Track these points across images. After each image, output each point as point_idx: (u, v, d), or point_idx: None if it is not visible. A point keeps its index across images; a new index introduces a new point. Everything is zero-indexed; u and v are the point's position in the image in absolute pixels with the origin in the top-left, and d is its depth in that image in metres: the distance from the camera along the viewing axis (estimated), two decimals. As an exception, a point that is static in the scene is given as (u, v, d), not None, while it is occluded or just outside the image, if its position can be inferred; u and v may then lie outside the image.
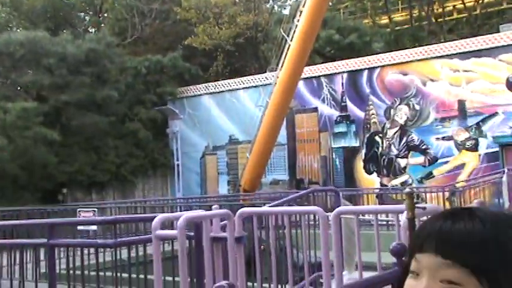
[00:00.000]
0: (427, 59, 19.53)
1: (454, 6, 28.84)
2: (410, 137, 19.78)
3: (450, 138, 18.98)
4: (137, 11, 29.99)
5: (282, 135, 21.08)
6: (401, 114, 19.96)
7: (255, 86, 23.10)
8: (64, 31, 26.50)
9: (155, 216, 4.81)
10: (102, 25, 31.15)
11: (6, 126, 20.15)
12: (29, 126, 20.60)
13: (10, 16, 30.73)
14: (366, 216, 8.38)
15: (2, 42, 21.74)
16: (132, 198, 24.00)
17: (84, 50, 23.02)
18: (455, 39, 21.82)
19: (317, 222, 6.54)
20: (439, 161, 19.11)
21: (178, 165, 24.66)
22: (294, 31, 17.86)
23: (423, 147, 19.47)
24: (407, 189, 3.31)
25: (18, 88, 24.38)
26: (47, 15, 30.19)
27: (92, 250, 6.57)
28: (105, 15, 32.56)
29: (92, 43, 23.73)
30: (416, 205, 3.16)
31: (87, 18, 32.88)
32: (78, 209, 10.91)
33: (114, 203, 20.03)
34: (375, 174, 20.41)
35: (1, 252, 6.42)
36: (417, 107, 19.63)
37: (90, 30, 30.95)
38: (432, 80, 19.35)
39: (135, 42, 30.21)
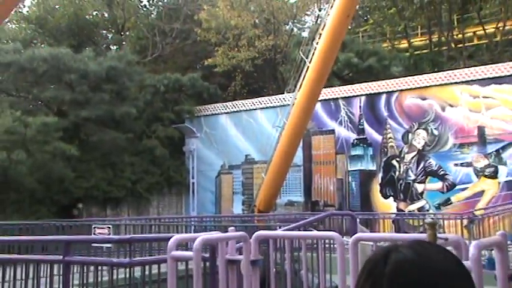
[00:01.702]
0: (446, 84, 19.43)
1: (474, 32, 28.73)
2: (428, 162, 19.57)
3: (469, 164, 18.74)
4: (158, 30, 30.43)
5: (298, 157, 21.01)
6: (420, 139, 19.81)
7: (272, 107, 23.15)
8: (86, 48, 26.94)
9: (171, 237, 4.79)
10: (124, 43, 31.63)
11: (26, 140, 20.40)
12: (48, 140, 20.85)
13: (35, 33, 31.39)
14: (383, 243, 8.23)
15: (26, 58, 22.14)
16: (146, 214, 24.04)
17: (105, 67, 23.36)
18: (475, 65, 21.70)
19: (333, 246, 6.46)
20: (458, 187, 18.85)
21: (193, 183, 24.69)
22: (313, 53, 17.91)
23: (441, 172, 19.25)
24: (429, 219, 3.25)
25: (40, 103, 24.75)
26: (70, 33, 30.77)
27: (106, 267, 6.56)
28: (127, 33, 33.08)
29: (113, 61, 24.07)
30: (438, 235, 3.09)
31: (109, 36, 33.42)
32: (94, 225, 10.93)
33: (129, 219, 20.07)
34: (391, 198, 20.19)
35: (16, 266, 6.43)
36: (435, 132, 19.47)
37: (112, 48, 31.43)
38: (451, 106, 19.20)
39: (155, 60, 30.60)
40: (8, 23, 30.34)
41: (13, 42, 25.50)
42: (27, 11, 31.45)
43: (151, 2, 33.15)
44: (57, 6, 31.28)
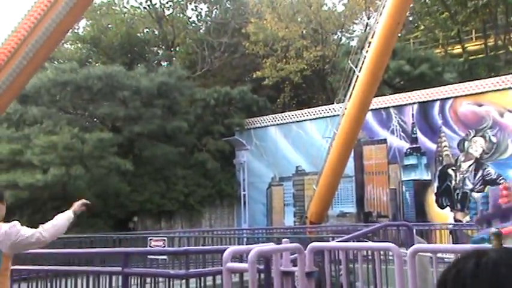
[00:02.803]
0: (504, 89, 18.72)
1: (532, 34, 27.65)
2: (486, 170, 18.85)
3: (531, 172, 17.93)
4: (207, 45, 30.95)
5: (350, 167, 20.73)
6: (477, 146, 19.13)
7: (322, 117, 22.99)
8: (138, 65, 27.71)
9: (225, 249, 4.80)
10: (174, 58, 32.33)
11: (84, 156, 21.10)
12: (104, 156, 21.50)
13: (90, 52, 32.62)
14: (440, 254, 7.95)
15: (81, 77, 22.99)
16: (199, 226, 24.31)
17: (157, 83, 23.94)
18: (534, 69, 20.83)
19: (389, 258, 6.30)
20: (519, 196, 18.01)
21: (244, 195, 24.80)
22: (363, 62, 17.68)
23: (501, 181, 18.46)
24: (493, 229, 3.11)
25: (95, 119, 25.59)
26: (123, 51, 31.78)
27: (162, 279, 6.66)
28: (177, 49, 33.81)
29: (164, 76, 24.64)
30: (504, 246, 2.94)
31: (160, 52, 34.26)
32: (149, 238, 11.15)
33: (183, 231, 20.35)
34: (448, 208, 19.55)
35: (77, 277, 6.64)
36: (494, 140, 18.75)
37: (163, 64, 32.20)
38: (510, 111, 18.47)
39: (204, 74, 31.09)
40: (65, 44, 31.67)
41: (69, 61, 26.54)
42: (82, 32, 32.77)
43: (199, 17, 33.81)
44: (110, 26, 32.41)
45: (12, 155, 21.06)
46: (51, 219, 4.02)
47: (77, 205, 4.20)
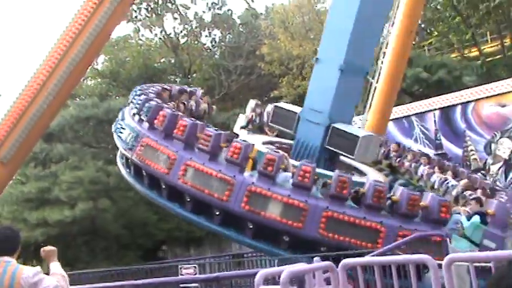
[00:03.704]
0: (526, 87, 18.42)
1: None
2: (516, 171, 18.46)
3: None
4: (223, 69, 31.25)
5: (376, 179, 20.49)
6: (504, 148, 18.76)
7: (343, 131, 22.84)
8: (157, 95, 28.02)
9: (256, 272, 4.77)
10: (191, 85, 32.68)
11: (110, 189, 21.32)
12: (130, 187, 21.67)
13: (110, 86, 33.24)
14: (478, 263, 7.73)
15: (103, 111, 23.38)
16: (228, 251, 24.18)
17: (176, 111, 24.16)
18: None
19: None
20: (553, 195, 17.56)
21: (272, 216, 24.62)
22: (379, 73, 17.63)
23: (532, 181, 18.07)
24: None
25: (119, 151, 25.85)
26: (141, 82, 32.25)
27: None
28: (194, 76, 34.22)
29: (183, 103, 24.87)
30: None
31: (177, 80, 34.71)
32: (180, 266, 11.14)
33: (212, 257, 20.27)
34: (480, 214, 19.12)
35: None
36: (521, 139, 18.39)
37: (181, 92, 32.50)
38: (535, 109, 18.14)
39: (223, 98, 31.32)
40: (85, 80, 32.34)
41: (90, 97, 27.06)
42: (101, 67, 33.46)
43: (213, 43, 34.21)
44: (127, 59, 33.02)
45: (40, 193, 21.41)
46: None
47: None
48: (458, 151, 19.85)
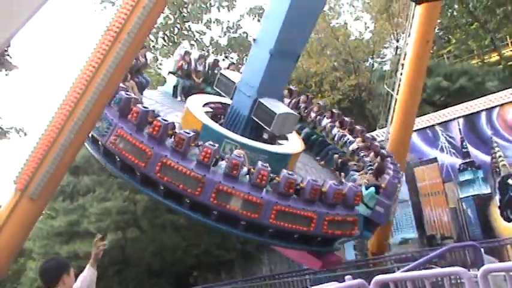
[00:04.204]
0: (551, 89, 18.06)
1: None
2: (547, 175, 18.00)
3: None
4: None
5: (404, 191, 20.14)
6: (533, 152, 18.36)
7: (367, 146, 22.67)
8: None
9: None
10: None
11: (137, 218, 21.48)
12: (157, 214, 21.80)
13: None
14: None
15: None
16: (260, 273, 24.01)
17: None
18: None
19: (460, 282, 6.02)
20: None
21: (301, 235, 24.41)
22: (399, 85, 17.55)
23: None
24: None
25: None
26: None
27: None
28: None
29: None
30: None
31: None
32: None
33: (244, 281, 20.16)
34: (515, 221, 18.65)
35: None
36: (550, 142, 17.98)
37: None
38: (562, 111, 17.75)
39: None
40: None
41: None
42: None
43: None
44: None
45: (70, 226, 21.67)
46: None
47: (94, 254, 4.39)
48: (487, 158, 19.47)
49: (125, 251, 21.30)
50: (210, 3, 32.37)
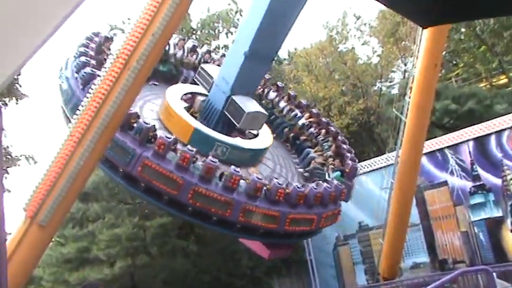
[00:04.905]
0: (560, 111, 17.97)
1: None
2: (560, 197, 17.78)
3: None
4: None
5: (414, 215, 19.99)
6: (544, 174, 18.18)
7: (376, 169, 22.59)
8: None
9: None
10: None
11: (147, 244, 21.43)
12: (166, 241, 21.74)
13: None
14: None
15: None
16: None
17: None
18: None
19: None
20: None
21: (311, 260, 24.19)
22: (407, 108, 17.52)
23: None
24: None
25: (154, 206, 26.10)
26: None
27: None
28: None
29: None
30: None
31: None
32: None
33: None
34: (527, 244, 18.37)
35: None
36: (560, 164, 17.81)
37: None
38: None
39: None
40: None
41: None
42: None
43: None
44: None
45: (79, 253, 21.66)
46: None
47: None
48: (498, 181, 19.30)
49: (134, 278, 21.20)
50: (219, 30, 32.77)
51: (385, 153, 21.94)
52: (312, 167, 15.54)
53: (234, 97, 13.71)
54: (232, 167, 12.10)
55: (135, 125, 11.53)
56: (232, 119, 13.73)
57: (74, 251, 21.77)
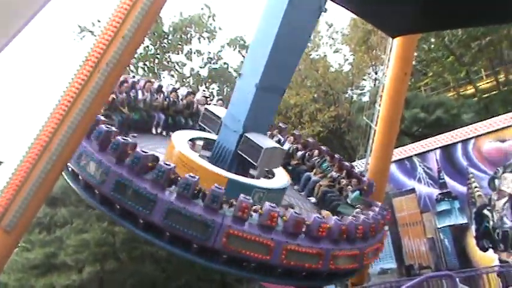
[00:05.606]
0: (525, 121, 18.52)
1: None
2: (523, 205, 18.29)
3: None
4: (223, 122, 31.54)
5: (383, 222, 20.29)
6: (508, 183, 18.66)
7: (346, 176, 22.82)
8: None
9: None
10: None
11: (116, 250, 21.17)
12: (135, 246, 21.53)
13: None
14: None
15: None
16: (240, 306, 23.70)
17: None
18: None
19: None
20: (562, 227, 17.36)
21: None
22: (377, 116, 17.80)
23: (540, 214, 17.89)
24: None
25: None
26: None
27: None
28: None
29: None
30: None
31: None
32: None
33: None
34: (491, 250, 18.81)
35: None
36: (524, 173, 18.33)
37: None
38: (535, 142, 18.17)
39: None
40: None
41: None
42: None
43: (211, 97, 34.71)
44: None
45: (46, 259, 21.25)
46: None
47: None
48: (463, 189, 19.75)
49: (103, 284, 20.89)
50: (191, 34, 32.74)
51: (355, 161, 22.20)
52: (322, 192, 14.74)
53: (247, 135, 12.61)
54: (291, 210, 11.14)
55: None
56: (248, 158, 12.61)
57: (40, 256, 21.33)
